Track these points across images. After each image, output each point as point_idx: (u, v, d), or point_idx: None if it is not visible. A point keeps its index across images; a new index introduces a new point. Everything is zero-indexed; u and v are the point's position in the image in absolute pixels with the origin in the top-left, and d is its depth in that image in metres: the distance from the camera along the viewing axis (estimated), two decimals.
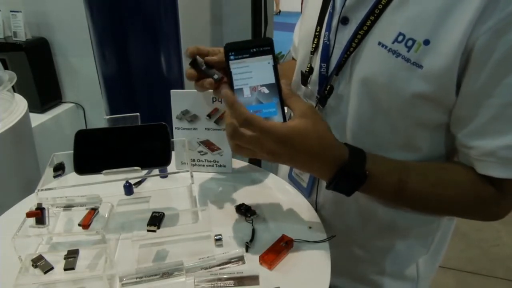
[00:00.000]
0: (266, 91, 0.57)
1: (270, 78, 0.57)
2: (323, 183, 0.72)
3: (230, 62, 0.57)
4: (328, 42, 0.65)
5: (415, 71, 0.55)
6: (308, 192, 0.77)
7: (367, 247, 0.75)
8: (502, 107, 0.53)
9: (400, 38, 0.56)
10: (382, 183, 0.61)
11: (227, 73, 0.58)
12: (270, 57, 0.57)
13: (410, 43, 0.55)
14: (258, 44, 0.57)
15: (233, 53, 0.57)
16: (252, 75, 0.57)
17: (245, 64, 0.57)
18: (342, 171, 0.57)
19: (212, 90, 0.65)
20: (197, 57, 0.64)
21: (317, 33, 0.68)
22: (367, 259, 0.76)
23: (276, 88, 0.57)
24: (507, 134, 0.54)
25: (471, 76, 0.54)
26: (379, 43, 0.58)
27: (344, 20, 0.63)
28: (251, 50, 0.57)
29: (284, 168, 0.85)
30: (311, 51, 0.69)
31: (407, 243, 0.73)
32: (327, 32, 0.65)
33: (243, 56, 0.57)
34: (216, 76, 0.63)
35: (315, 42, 0.68)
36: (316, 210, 0.75)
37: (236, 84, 0.57)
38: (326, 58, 0.66)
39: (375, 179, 0.59)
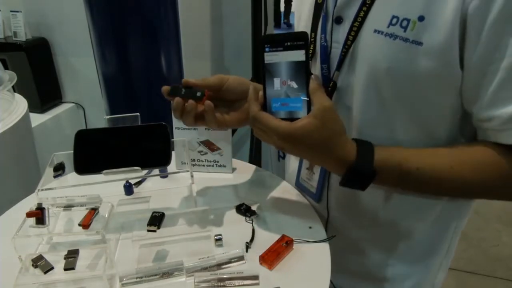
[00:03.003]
0: (295, 86, 0.57)
1: (300, 73, 0.57)
2: (333, 187, 0.72)
3: (265, 54, 0.58)
4: (325, 44, 0.66)
5: (416, 49, 0.55)
6: (318, 197, 0.75)
7: (382, 249, 0.75)
8: (507, 70, 0.52)
9: (394, 20, 0.56)
10: (395, 174, 0.60)
11: (261, 66, 0.59)
12: (303, 52, 0.57)
13: (405, 23, 0.55)
14: (293, 37, 0.57)
15: (268, 45, 0.58)
16: (283, 68, 0.58)
17: (278, 57, 0.58)
18: (350, 171, 0.58)
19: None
20: (172, 85, 0.64)
21: (312, 39, 0.69)
22: (381, 261, 0.75)
23: (305, 84, 0.57)
24: None
25: (470, 45, 0.53)
26: (375, 31, 0.58)
27: (337, 20, 0.64)
28: (286, 44, 0.57)
29: (291, 175, 0.84)
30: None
31: (422, 246, 0.73)
32: (323, 35, 0.66)
33: (277, 49, 0.57)
34: (198, 94, 0.63)
35: (311, 48, 0.69)
36: (328, 214, 0.74)
37: (268, 76, 0.58)
38: (326, 59, 0.66)
39: (388, 171, 0.59)
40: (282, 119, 0.57)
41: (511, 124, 0.54)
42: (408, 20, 0.55)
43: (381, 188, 0.65)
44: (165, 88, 0.64)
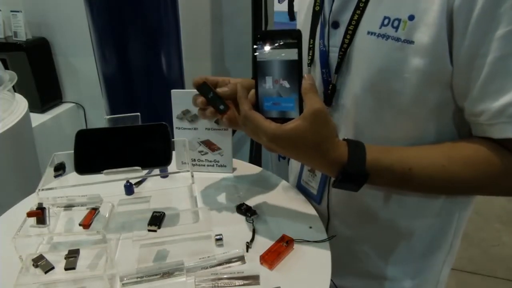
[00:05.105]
0: (287, 85, 0.56)
1: (292, 73, 0.55)
2: (334, 189, 0.72)
3: (257, 51, 0.56)
4: (324, 49, 0.67)
5: (408, 48, 0.56)
6: (319, 199, 0.76)
7: (382, 249, 0.75)
8: (494, 64, 0.52)
9: (386, 21, 0.57)
10: (388, 175, 0.60)
11: (253, 62, 0.57)
12: (295, 51, 0.55)
13: (396, 23, 0.56)
14: (286, 35, 0.55)
15: (260, 42, 0.56)
16: (276, 67, 0.56)
17: (271, 55, 0.56)
18: (342, 173, 0.57)
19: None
20: (206, 82, 0.64)
21: (311, 46, 0.69)
22: (382, 260, 0.75)
23: (297, 83, 0.55)
24: (509, 90, 0.52)
25: (457, 40, 0.54)
26: (368, 32, 0.59)
27: (334, 25, 0.65)
28: (279, 42, 0.56)
29: (293, 177, 0.85)
30: (308, 64, 0.71)
31: (423, 244, 0.73)
32: (321, 40, 0.67)
33: (270, 47, 0.56)
34: (222, 107, 0.63)
35: (310, 55, 0.70)
36: (329, 215, 0.74)
37: (260, 74, 0.56)
38: (325, 63, 0.67)
39: (380, 172, 0.59)
40: (274, 118, 0.56)
41: (500, 118, 0.54)
42: (399, 20, 0.56)
43: (379, 188, 0.65)
44: (197, 81, 0.65)
